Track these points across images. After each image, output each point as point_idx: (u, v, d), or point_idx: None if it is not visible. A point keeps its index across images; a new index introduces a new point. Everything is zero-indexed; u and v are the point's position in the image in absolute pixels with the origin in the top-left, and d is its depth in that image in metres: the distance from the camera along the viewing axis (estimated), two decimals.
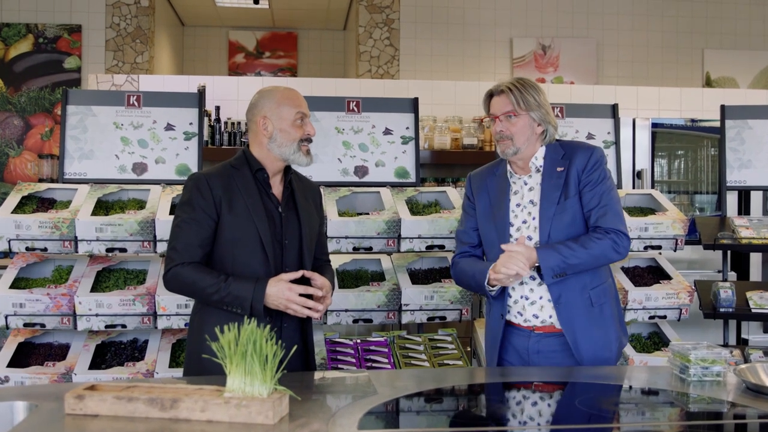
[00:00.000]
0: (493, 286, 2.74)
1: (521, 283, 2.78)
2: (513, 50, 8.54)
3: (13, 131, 7.33)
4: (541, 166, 2.80)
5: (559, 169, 2.76)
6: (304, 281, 2.63)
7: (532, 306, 2.77)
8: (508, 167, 2.87)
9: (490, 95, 2.85)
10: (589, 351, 2.72)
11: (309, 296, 2.59)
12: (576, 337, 2.71)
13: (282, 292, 2.52)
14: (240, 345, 1.97)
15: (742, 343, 4.89)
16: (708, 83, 8.82)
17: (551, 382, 2.56)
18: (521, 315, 2.79)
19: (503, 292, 2.81)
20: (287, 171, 2.78)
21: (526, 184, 2.82)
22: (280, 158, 2.70)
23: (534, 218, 2.76)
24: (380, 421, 2.07)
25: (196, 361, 2.60)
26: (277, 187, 2.75)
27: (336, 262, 3.87)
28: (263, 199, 2.68)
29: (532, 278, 2.76)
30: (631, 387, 2.48)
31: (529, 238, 2.76)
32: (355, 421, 1.97)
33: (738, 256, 5.38)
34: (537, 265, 2.67)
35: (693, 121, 5.88)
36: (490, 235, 2.85)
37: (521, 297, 2.79)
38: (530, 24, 8.55)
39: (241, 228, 2.62)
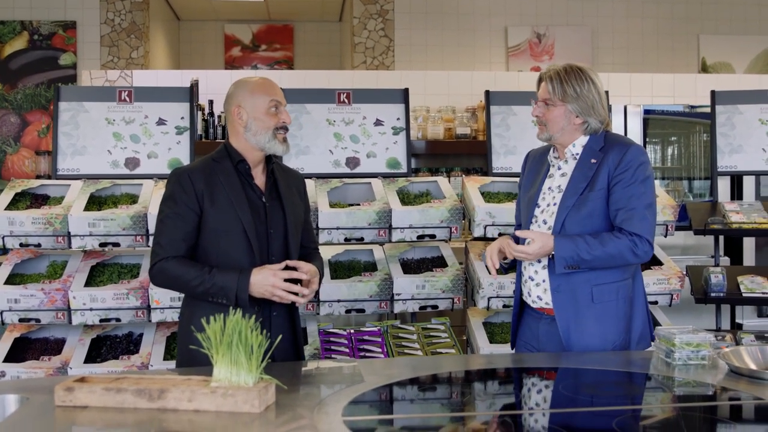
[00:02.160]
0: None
1: (530, 264, 2.81)
2: (508, 39, 8.53)
3: (10, 128, 7.36)
4: (577, 155, 2.78)
5: (592, 160, 2.73)
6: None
7: (537, 287, 2.79)
8: (552, 150, 2.88)
9: (540, 80, 2.84)
10: (579, 344, 2.70)
11: (296, 283, 2.61)
12: (569, 326, 2.71)
13: (266, 279, 2.54)
14: (225, 335, 2.01)
15: (736, 327, 4.92)
16: (704, 69, 8.81)
17: (536, 368, 2.60)
18: (530, 295, 2.83)
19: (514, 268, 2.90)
20: (269, 161, 2.80)
21: (559, 169, 2.83)
22: (256, 147, 2.71)
23: (555, 204, 2.77)
24: (365, 408, 2.10)
25: (187, 353, 2.63)
26: (259, 178, 2.76)
27: (328, 253, 3.90)
28: (246, 191, 2.70)
29: (538, 261, 2.78)
30: (615, 371, 2.50)
31: (544, 222, 2.78)
32: (339, 409, 2.00)
33: (731, 242, 5.40)
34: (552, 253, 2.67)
35: (692, 107, 5.89)
36: (523, 211, 2.91)
37: (529, 278, 2.82)
38: (524, 12, 8.54)
39: (225, 220, 2.64)
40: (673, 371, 2.42)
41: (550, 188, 2.83)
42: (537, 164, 2.95)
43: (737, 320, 5.02)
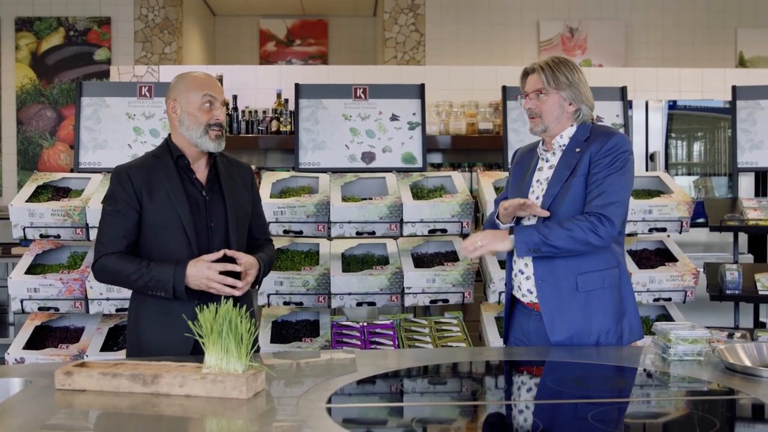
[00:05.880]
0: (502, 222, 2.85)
1: (520, 257, 2.81)
2: (540, 33, 8.49)
3: (47, 123, 7.56)
4: (563, 146, 2.81)
5: (577, 149, 2.76)
6: (233, 263, 2.67)
7: (527, 281, 2.81)
8: (541, 143, 2.91)
9: (525, 74, 2.86)
10: (563, 334, 2.71)
11: (236, 276, 2.64)
12: (553, 317, 2.72)
13: (201, 271, 2.58)
14: (216, 324, 2.07)
15: (759, 326, 4.85)
16: (741, 63, 8.67)
17: (525, 362, 2.62)
18: (520, 289, 2.85)
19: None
20: (212, 154, 2.80)
21: (547, 161, 2.85)
22: (191, 142, 2.74)
23: (544, 195, 2.79)
24: (350, 396, 2.14)
25: (136, 345, 2.72)
26: (201, 172, 2.78)
27: (342, 246, 3.95)
28: (185, 185, 2.72)
29: None
30: (607, 366, 2.51)
31: (533, 215, 2.80)
32: (325, 397, 2.05)
33: (756, 240, 5.32)
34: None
35: (731, 102, 5.80)
36: None
37: (519, 271, 2.84)
38: (557, 6, 8.50)
39: (163, 215, 2.67)
40: (667, 367, 2.42)
41: (538, 181, 2.85)
42: (527, 159, 2.97)
43: (761, 319, 4.95)
